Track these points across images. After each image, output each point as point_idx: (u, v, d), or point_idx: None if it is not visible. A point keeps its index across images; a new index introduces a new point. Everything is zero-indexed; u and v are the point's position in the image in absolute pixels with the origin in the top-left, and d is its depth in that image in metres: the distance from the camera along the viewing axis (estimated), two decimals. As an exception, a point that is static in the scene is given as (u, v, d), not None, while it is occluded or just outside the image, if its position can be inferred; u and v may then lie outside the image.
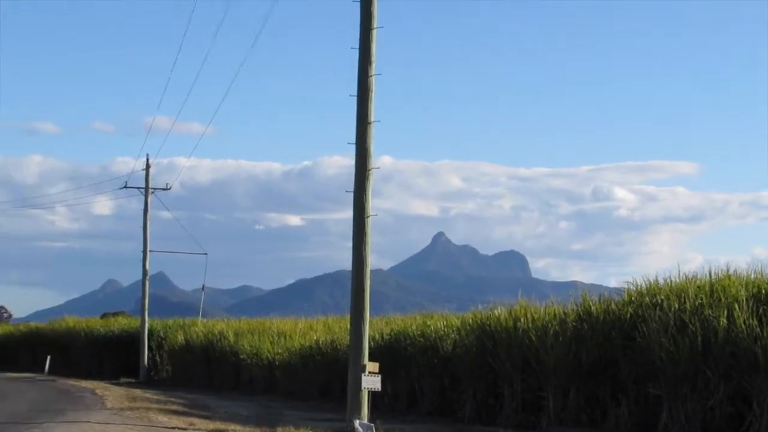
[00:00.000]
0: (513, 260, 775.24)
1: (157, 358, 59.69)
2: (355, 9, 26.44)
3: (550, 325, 28.77)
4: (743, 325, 23.67)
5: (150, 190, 60.97)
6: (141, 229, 61.48)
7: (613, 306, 28.11)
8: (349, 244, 26.24)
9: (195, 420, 31.87)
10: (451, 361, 32.89)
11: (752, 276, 26.08)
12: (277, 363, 44.83)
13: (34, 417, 31.86)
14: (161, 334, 59.59)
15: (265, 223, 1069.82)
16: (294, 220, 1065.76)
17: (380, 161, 26.40)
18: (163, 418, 32.10)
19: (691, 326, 24.58)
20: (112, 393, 44.66)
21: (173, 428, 29.60)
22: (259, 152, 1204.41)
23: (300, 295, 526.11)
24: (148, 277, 61.58)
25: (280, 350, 44.96)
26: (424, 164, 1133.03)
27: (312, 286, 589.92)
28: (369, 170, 25.93)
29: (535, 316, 29.80)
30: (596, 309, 28.34)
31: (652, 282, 27.78)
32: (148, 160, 61.01)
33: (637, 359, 26.21)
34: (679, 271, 27.28)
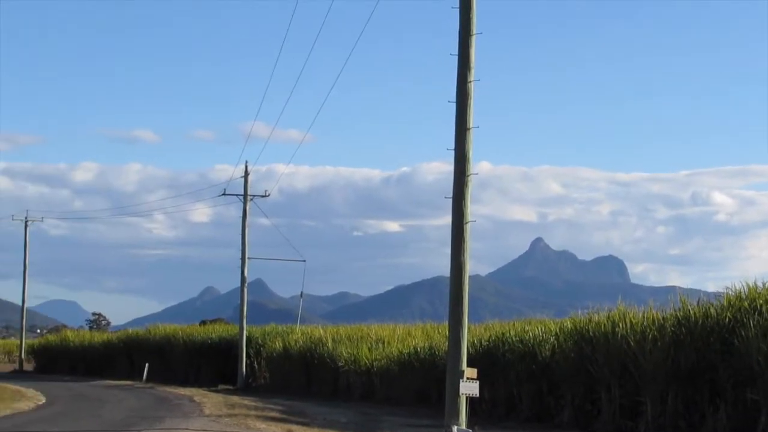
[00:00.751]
0: (611, 265, 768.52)
1: (255, 365, 60.09)
2: (454, 15, 26.43)
3: (648, 330, 28.53)
4: None
5: (249, 198, 61.43)
6: (239, 236, 62.00)
7: (712, 311, 27.80)
8: (448, 250, 26.18)
9: (293, 427, 32.09)
10: (549, 367, 32.76)
11: None
12: (375, 369, 44.93)
13: (133, 424, 32.34)
14: (259, 341, 60.00)
15: (363, 230, 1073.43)
16: (392, 226, 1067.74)
17: (479, 167, 26.22)
18: (261, 425, 32.37)
19: (791, 331, 24.18)
20: (210, 400, 45.15)
21: (271, 435, 29.86)
22: (357, 159, 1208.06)
23: (398, 301, 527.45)
24: (246, 284, 62.10)
25: (378, 357, 45.06)
26: (523, 170, 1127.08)
27: (410, 292, 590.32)
28: (468, 176, 25.83)
29: (634, 321, 29.56)
30: (695, 313, 28.02)
31: (750, 286, 27.40)
32: (246, 167, 61.51)
33: (735, 364, 25.83)
34: (777, 275, 26.87)
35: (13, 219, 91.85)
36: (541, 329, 34.78)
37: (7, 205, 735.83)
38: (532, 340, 34.27)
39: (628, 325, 29.46)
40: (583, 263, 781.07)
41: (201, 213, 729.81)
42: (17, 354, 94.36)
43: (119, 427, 31.72)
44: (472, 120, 25.93)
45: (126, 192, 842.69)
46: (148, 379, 63.81)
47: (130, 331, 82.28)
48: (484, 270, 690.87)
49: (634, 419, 28.78)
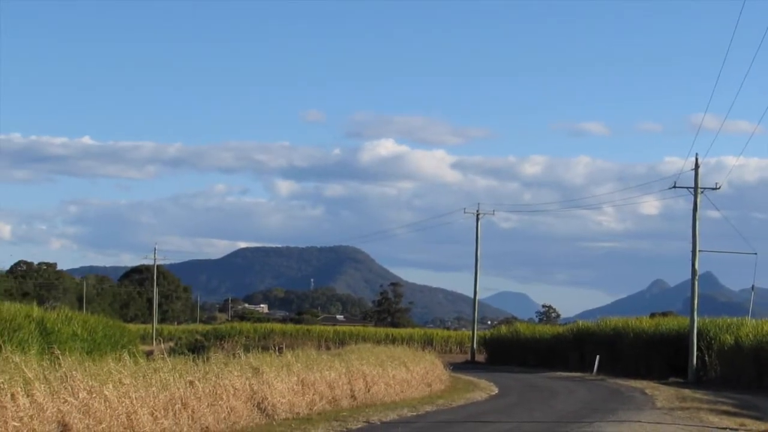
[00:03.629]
0: None
1: (706, 359, 59.30)
2: None
3: None
4: None
5: (699, 190, 60.64)
6: (689, 229, 61.34)
7: None
8: None
9: (746, 421, 31.65)
10: None
11: None
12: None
13: (586, 416, 33.04)
14: (710, 334, 59.15)
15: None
16: None
17: None
18: (714, 419, 32.16)
19: None
20: (661, 393, 45.16)
21: (724, 429, 29.61)
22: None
23: None
24: (697, 277, 61.39)
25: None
26: None
27: None
28: None
29: None
30: None
31: None
32: (697, 159, 60.71)
33: None
34: None
35: (465, 212, 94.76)
36: None
37: (459, 198, 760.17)
38: None
39: None
40: None
41: (650, 206, 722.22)
42: (469, 345, 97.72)
43: (572, 418, 32.51)
44: None
45: (575, 185, 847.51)
46: (599, 372, 64.50)
47: (580, 323, 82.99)
48: None
49: None
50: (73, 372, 22.34)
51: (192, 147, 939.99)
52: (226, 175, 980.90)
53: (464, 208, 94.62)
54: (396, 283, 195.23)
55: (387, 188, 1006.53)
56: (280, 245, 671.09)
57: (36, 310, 31.15)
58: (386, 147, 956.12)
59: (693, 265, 60.94)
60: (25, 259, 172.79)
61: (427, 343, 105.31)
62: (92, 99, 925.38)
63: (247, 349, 36.43)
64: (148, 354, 40.85)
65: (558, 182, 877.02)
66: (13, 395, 20.14)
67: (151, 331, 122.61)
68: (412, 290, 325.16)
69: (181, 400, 25.40)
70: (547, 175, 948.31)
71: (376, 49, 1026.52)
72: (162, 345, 54.26)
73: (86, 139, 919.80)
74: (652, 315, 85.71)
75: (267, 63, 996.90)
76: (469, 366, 79.85)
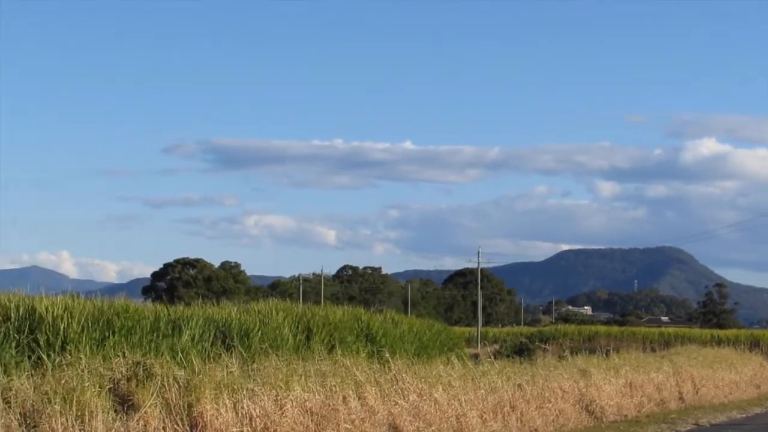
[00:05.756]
0: None
1: None
2: None
3: None
4: None
5: None
6: None
7: None
8: None
9: None
10: None
11: None
12: None
13: None
14: None
15: None
16: None
17: None
18: None
19: None
20: None
21: None
22: None
23: None
24: None
25: None
26: None
27: None
28: None
29: None
30: None
31: None
32: None
33: None
34: None
35: None
36: None
37: None
38: None
39: None
40: None
41: None
42: None
43: None
44: None
45: None
46: None
47: None
48: None
49: None
50: (403, 375, 22.73)
51: (511, 150, 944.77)
52: (546, 177, 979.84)
53: None
54: (720, 284, 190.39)
55: (710, 188, 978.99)
56: (602, 247, 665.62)
57: (363, 314, 31.91)
58: (708, 146, 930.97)
59: None
60: (350, 263, 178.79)
61: (754, 344, 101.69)
62: (414, 105, 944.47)
63: (573, 352, 36.33)
64: (474, 357, 41.23)
65: None
66: (344, 398, 20.68)
67: (475, 333, 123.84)
68: (737, 291, 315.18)
69: (510, 403, 25.49)
70: None
71: (690, 48, 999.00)
72: (487, 348, 54.76)
73: (407, 144, 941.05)
74: None
75: (587, 63, 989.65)
76: None
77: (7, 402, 16.62)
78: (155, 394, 18.00)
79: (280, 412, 19.26)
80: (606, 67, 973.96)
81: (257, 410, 18.91)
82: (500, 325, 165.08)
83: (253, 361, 21.44)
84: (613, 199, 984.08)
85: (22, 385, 17.07)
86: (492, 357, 29.74)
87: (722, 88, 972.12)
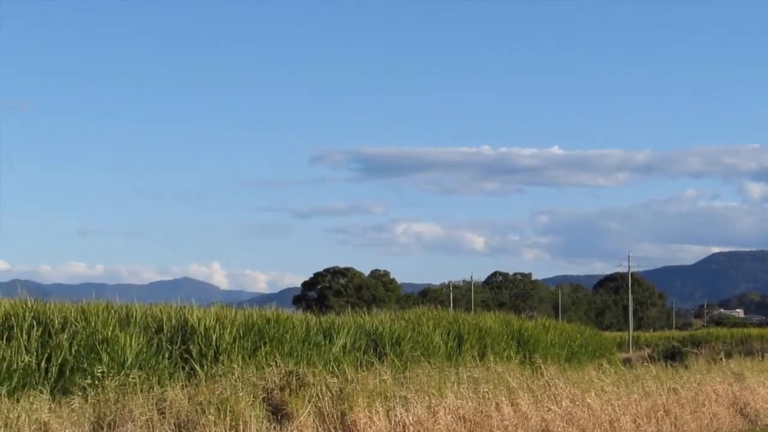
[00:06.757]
0: None
1: None
2: None
3: None
4: None
5: None
6: None
7: None
8: None
9: None
10: None
11: None
12: None
13: None
14: None
15: None
16: None
17: None
18: None
19: None
20: None
21: None
22: None
23: None
24: None
25: None
26: None
27: None
28: None
29: None
30: None
31: None
32: None
33: None
34: None
35: None
36: None
37: None
38: None
39: None
40: None
41: None
42: None
43: None
44: None
45: None
46: None
47: None
48: None
49: None
50: (555, 380, 22.48)
51: (661, 153, 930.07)
52: (695, 180, 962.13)
53: None
54: None
55: None
56: (754, 249, 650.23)
57: (514, 320, 31.75)
58: None
59: None
60: (500, 270, 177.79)
61: None
62: (561, 110, 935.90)
63: (727, 355, 35.60)
64: (626, 361, 40.58)
65: None
66: (497, 404, 20.51)
67: (626, 338, 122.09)
68: None
69: (663, 407, 25.09)
70: None
71: None
72: (642, 352, 53.93)
73: (555, 149, 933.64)
74: None
75: (738, 63, 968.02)
76: None
77: (161, 413, 16.86)
78: (309, 402, 18.09)
79: (433, 419, 19.20)
80: (757, 67, 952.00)
81: (410, 418, 18.87)
82: (652, 330, 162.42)
83: (405, 369, 21.42)
84: (763, 201, 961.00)
85: (176, 395, 17.30)
86: (645, 361, 29.34)
87: None
